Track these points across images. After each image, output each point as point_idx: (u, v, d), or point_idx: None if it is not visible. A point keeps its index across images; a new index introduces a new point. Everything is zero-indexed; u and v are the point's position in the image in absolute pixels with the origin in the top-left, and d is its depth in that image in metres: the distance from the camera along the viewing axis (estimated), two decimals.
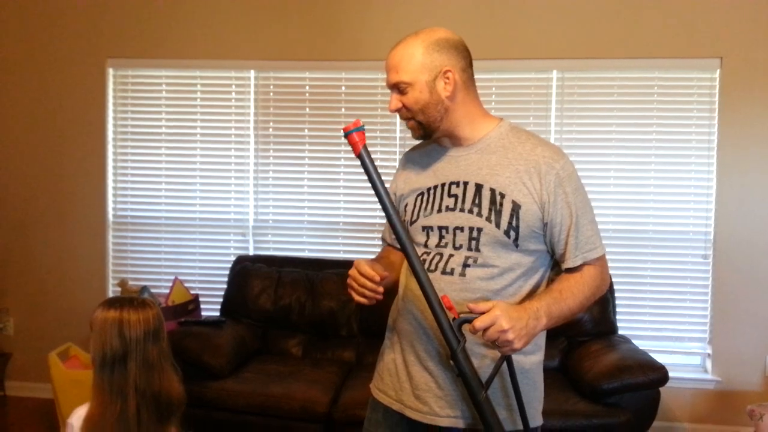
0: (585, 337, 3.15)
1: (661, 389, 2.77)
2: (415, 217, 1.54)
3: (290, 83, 3.70)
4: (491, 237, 1.45)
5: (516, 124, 1.57)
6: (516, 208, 1.44)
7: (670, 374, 2.71)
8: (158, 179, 3.80)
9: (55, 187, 3.79)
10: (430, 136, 1.53)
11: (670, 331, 3.44)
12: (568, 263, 1.47)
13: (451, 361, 1.34)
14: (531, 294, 1.48)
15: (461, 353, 1.33)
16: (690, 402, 3.34)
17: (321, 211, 3.70)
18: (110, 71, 3.76)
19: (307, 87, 3.67)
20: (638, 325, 3.44)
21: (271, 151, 3.75)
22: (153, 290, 3.55)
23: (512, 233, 1.44)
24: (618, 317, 3.29)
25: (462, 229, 1.47)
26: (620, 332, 3.25)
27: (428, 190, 1.53)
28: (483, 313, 1.29)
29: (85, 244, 3.78)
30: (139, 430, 1.48)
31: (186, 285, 3.59)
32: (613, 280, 3.30)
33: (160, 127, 3.78)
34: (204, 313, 3.60)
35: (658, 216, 3.44)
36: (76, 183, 3.77)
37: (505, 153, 1.48)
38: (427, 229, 1.52)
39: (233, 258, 3.62)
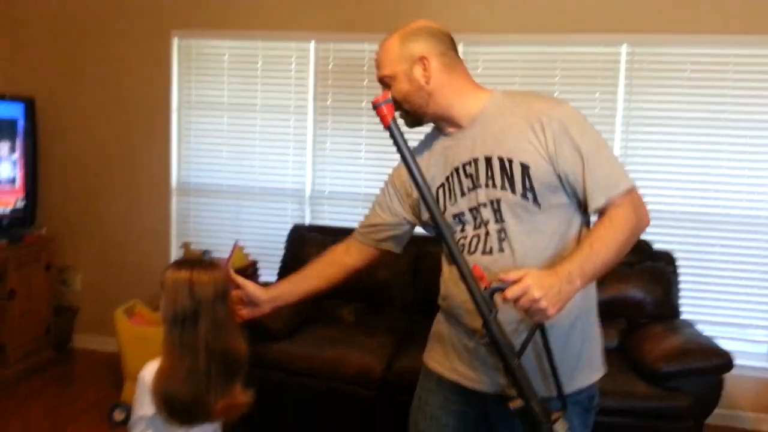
0: (646, 320, 3.07)
1: (725, 376, 2.68)
2: (442, 209, 1.53)
3: (349, 54, 3.70)
4: (511, 204, 1.44)
5: (509, 89, 1.55)
6: (525, 169, 1.42)
7: (735, 362, 2.62)
8: (220, 147, 3.88)
9: (123, 153, 3.91)
10: (421, 122, 1.55)
11: (736, 317, 3.32)
12: (592, 205, 1.42)
13: (483, 330, 1.32)
14: (571, 250, 1.44)
15: (493, 322, 1.31)
16: (754, 391, 3.23)
17: (377, 183, 3.68)
18: (175, 42, 3.84)
19: (366, 59, 3.65)
20: (702, 310, 3.33)
21: (329, 122, 3.77)
22: (214, 254, 3.64)
23: (529, 195, 1.42)
24: (681, 301, 3.19)
25: (485, 204, 1.46)
26: (683, 317, 3.15)
27: (447, 179, 1.53)
28: (514, 282, 1.26)
29: (151, 208, 3.90)
30: (208, 385, 1.52)
31: (244, 251, 3.66)
32: (679, 263, 3.21)
33: (222, 96, 3.85)
34: (261, 279, 3.67)
35: (728, 198, 3.31)
36: (142, 150, 3.89)
37: (504, 119, 1.46)
38: (458, 216, 1.51)
39: (290, 226, 3.68)
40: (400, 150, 1.40)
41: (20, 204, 3.62)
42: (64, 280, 4.01)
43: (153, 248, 3.89)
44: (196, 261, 1.61)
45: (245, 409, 1.64)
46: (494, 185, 1.45)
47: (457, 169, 1.50)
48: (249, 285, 1.63)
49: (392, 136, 1.40)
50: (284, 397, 2.87)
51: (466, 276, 1.33)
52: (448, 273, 1.55)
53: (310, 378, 2.80)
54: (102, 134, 3.93)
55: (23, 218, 3.65)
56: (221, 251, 3.75)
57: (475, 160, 1.47)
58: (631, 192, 1.43)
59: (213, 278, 1.56)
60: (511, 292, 1.25)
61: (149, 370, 1.53)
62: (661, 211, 3.27)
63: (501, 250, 1.45)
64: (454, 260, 1.36)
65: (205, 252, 3.59)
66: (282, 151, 3.82)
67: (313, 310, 3.37)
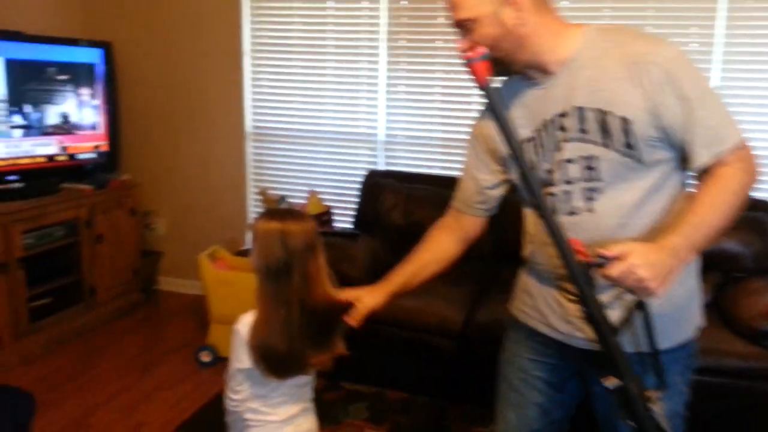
0: (743, 273, 2.90)
1: None
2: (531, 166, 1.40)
3: None
4: (606, 161, 1.31)
5: (603, 25, 1.37)
6: (624, 123, 1.28)
7: None
8: (292, 92, 3.83)
9: (198, 97, 3.92)
10: (509, 71, 1.40)
11: None
12: (697, 163, 1.28)
13: (581, 308, 1.22)
14: (668, 213, 1.32)
15: (591, 300, 1.20)
16: None
17: (452, 127, 3.59)
18: None
19: None
20: None
21: (403, 64, 3.64)
22: (290, 200, 3.65)
23: (627, 151, 1.29)
24: None
25: (575, 161, 1.34)
26: None
27: (535, 133, 1.39)
28: (616, 257, 1.15)
29: (226, 153, 3.94)
30: (303, 338, 1.52)
31: (319, 197, 3.66)
32: None
33: (293, 39, 3.76)
34: (337, 225, 3.67)
35: None
36: (216, 94, 3.89)
37: (598, 63, 1.30)
38: (546, 174, 1.39)
39: (364, 172, 3.63)
40: (496, 114, 1.25)
41: (103, 149, 3.71)
42: (148, 224, 4.14)
43: (230, 194, 3.94)
44: (286, 212, 1.58)
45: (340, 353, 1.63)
46: (589, 140, 1.32)
47: (546, 123, 1.37)
48: (365, 300, 1.57)
49: (489, 98, 1.25)
50: (361, 344, 2.89)
51: (562, 248, 1.21)
52: (535, 231, 1.46)
53: (389, 327, 2.80)
54: (177, 78, 3.95)
55: (106, 164, 3.75)
56: (296, 197, 3.76)
57: (567, 112, 1.33)
58: (742, 148, 1.28)
59: (304, 229, 1.53)
60: (615, 271, 1.16)
61: (244, 323, 1.54)
62: (765, 156, 3.03)
63: (588, 210, 1.35)
64: (548, 226, 1.24)
65: (282, 198, 3.60)
66: (354, 95, 3.74)
67: (391, 258, 3.35)
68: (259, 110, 3.91)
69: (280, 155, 3.91)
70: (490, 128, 1.45)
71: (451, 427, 2.65)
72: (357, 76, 3.71)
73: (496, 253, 3.28)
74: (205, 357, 3.12)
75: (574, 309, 1.40)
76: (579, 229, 1.32)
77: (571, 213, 1.36)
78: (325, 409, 2.74)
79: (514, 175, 1.47)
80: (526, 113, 1.40)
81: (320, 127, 3.81)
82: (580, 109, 1.32)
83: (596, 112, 1.30)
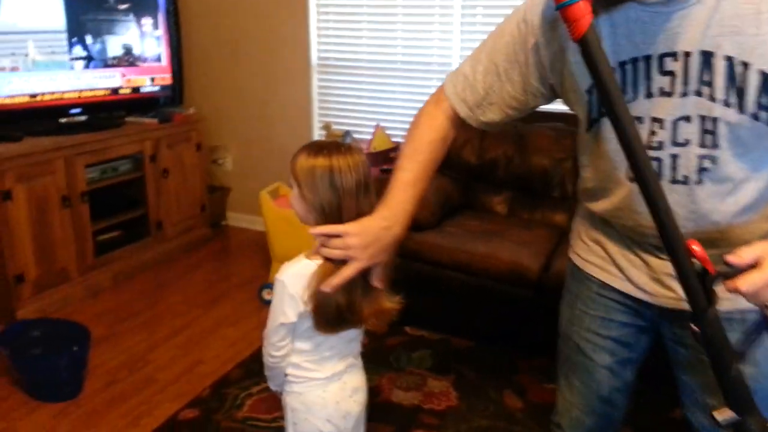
0: None
1: None
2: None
3: None
4: (734, 126, 0.99)
5: None
6: (767, 79, 0.95)
7: None
8: (359, 20, 3.55)
9: (263, 28, 3.73)
10: None
11: None
12: None
13: (693, 326, 0.94)
14: None
15: (710, 320, 0.92)
16: None
17: None
18: None
19: None
20: None
21: None
22: (355, 135, 3.45)
23: (763, 116, 0.97)
24: None
25: (689, 119, 1.02)
26: None
27: (624, 64, 1.04)
28: (749, 265, 0.88)
29: (291, 86, 3.76)
30: (359, 288, 1.33)
31: (387, 132, 3.44)
32: None
33: None
34: None
35: None
36: (280, 25, 3.68)
37: None
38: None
39: None
40: (595, 69, 0.95)
41: (167, 83, 3.62)
42: (215, 159, 4.07)
43: (295, 129, 3.78)
44: (332, 145, 1.34)
45: (393, 315, 1.45)
46: (712, 97, 0.99)
47: (650, 58, 1.02)
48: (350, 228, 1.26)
49: (586, 53, 0.94)
50: (428, 290, 2.71)
51: (676, 252, 0.93)
52: (620, 193, 1.14)
53: (457, 273, 2.59)
54: (241, 8, 3.76)
55: (171, 97, 3.67)
56: (362, 132, 3.55)
57: (687, 54, 0.99)
58: None
59: (353, 164, 1.31)
60: (747, 283, 0.87)
61: (288, 273, 1.36)
62: None
63: (699, 182, 1.04)
64: (660, 226, 0.94)
65: (346, 133, 3.40)
66: (426, 20, 3.42)
67: (461, 199, 3.11)
68: (325, 40, 3.67)
69: (346, 88, 3.69)
70: (557, 33, 1.10)
71: (520, 381, 2.45)
72: (430, 1, 3.38)
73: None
74: (267, 295, 3.04)
75: (662, 265, 1.15)
76: (678, 205, 1.04)
77: (680, 181, 1.05)
78: (385, 354, 2.62)
79: (593, 110, 1.13)
80: (621, 37, 1.03)
81: (389, 57, 3.54)
82: (707, 55, 0.98)
83: (730, 61, 0.97)
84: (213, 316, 2.92)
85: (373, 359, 2.56)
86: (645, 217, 1.02)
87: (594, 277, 1.30)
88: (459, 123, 1.29)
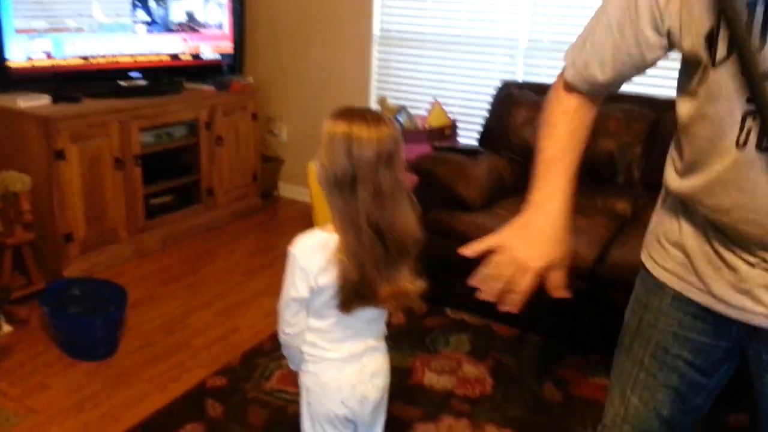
0: None
1: None
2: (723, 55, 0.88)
3: None
4: None
5: None
6: None
7: None
8: None
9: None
10: None
11: None
12: None
13: None
14: None
15: None
16: None
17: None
18: None
19: None
20: None
21: None
22: (411, 111, 3.33)
23: None
24: None
25: None
26: None
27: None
28: None
29: (351, 58, 3.66)
30: (372, 266, 1.24)
31: (445, 108, 3.29)
32: None
33: None
34: (461, 140, 3.30)
35: None
36: None
37: None
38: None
39: (498, 82, 3.18)
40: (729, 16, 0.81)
41: (227, 51, 3.60)
42: (271, 130, 4.05)
43: (351, 101, 3.68)
44: (357, 112, 1.25)
45: (416, 300, 1.35)
46: None
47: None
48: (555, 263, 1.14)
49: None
50: (471, 270, 2.57)
51: None
52: (723, 171, 0.94)
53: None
54: None
55: (231, 65, 3.65)
56: (419, 108, 3.41)
57: None
58: None
59: (376, 136, 1.21)
60: None
61: (300, 246, 1.28)
62: None
63: None
64: None
65: (402, 109, 3.28)
66: None
67: (516, 181, 2.94)
68: (388, 11, 3.55)
69: (406, 62, 3.56)
70: None
71: (563, 374, 2.28)
72: None
73: (649, 180, 2.75)
74: None
75: (755, 275, 0.97)
76: None
77: None
78: (422, 335, 2.51)
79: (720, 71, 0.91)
80: None
81: (452, 30, 3.38)
82: None
83: None
84: (253, 285, 2.89)
85: (409, 339, 2.47)
86: (749, 197, 0.86)
87: (668, 287, 1.11)
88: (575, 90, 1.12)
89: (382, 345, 1.44)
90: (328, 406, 1.37)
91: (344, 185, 1.21)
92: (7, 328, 2.41)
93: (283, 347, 1.40)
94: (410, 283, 1.31)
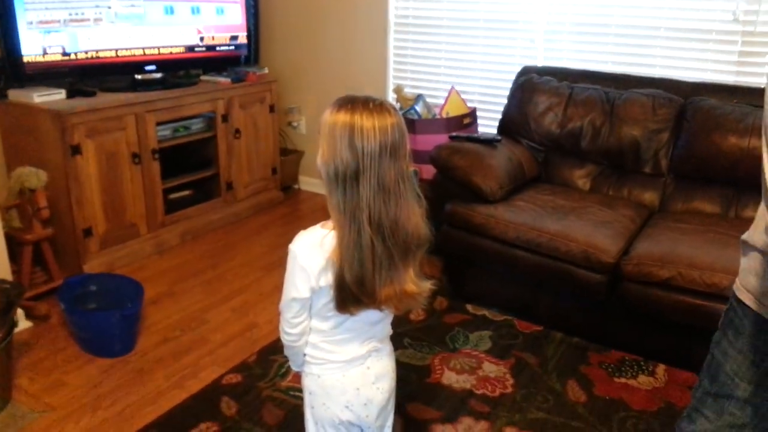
0: None
1: None
2: None
3: None
4: None
5: None
6: None
7: None
8: None
9: None
10: None
11: None
12: None
13: None
14: None
15: None
16: None
17: (635, 11, 2.87)
18: None
19: None
20: None
21: None
22: (429, 99, 3.25)
23: None
24: None
25: None
26: None
27: None
28: None
29: (368, 45, 3.60)
30: (372, 267, 1.18)
31: (463, 96, 3.21)
32: None
33: None
34: (480, 129, 3.22)
35: None
36: None
37: None
38: None
39: (518, 68, 3.09)
40: None
41: (242, 41, 3.57)
42: (289, 122, 4.01)
43: (368, 90, 3.61)
44: (359, 101, 1.18)
45: (420, 303, 1.29)
46: None
47: None
48: None
49: None
50: (493, 268, 2.52)
51: None
52: None
53: (522, 251, 2.36)
54: None
55: (246, 57, 3.62)
56: (436, 97, 3.34)
57: None
58: None
59: (380, 125, 1.15)
60: None
61: (300, 243, 1.23)
62: None
63: None
64: None
65: (418, 97, 3.21)
66: None
67: (537, 170, 2.86)
68: None
69: (423, 48, 3.48)
70: None
71: (588, 373, 2.22)
72: None
73: (677, 169, 2.66)
74: None
75: None
76: None
77: None
78: (441, 332, 2.46)
79: None
80: None
81: (470, 14, 3.29)
82: None
83: None
84: (272, 280, 2.87)
85: (428, 337, 2.42)
86: None
87: (746, 306, 1.02)
88: None
89: (388, 346, 1.39)
90: (332, 410, 1.32)
91: (346, 179, 1.16)
92: (27, 323, 2.43)
93: (285, 348, 1.36)
94: (414, 284, 1.25)
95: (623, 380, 2.18)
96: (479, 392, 2.12)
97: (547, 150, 2.89)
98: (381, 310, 1.27)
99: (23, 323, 2.41)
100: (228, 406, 2.02)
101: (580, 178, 2.82)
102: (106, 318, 2.24)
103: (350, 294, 1.20)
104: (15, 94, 2.77)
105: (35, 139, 2.72)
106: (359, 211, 1.16)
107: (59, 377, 2.15)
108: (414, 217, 1.21)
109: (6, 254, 2.33)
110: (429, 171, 2.81)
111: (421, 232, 1.22)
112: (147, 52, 3.15)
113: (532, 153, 2.87)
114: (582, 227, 2.32)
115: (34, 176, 2.48)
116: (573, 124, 2.80)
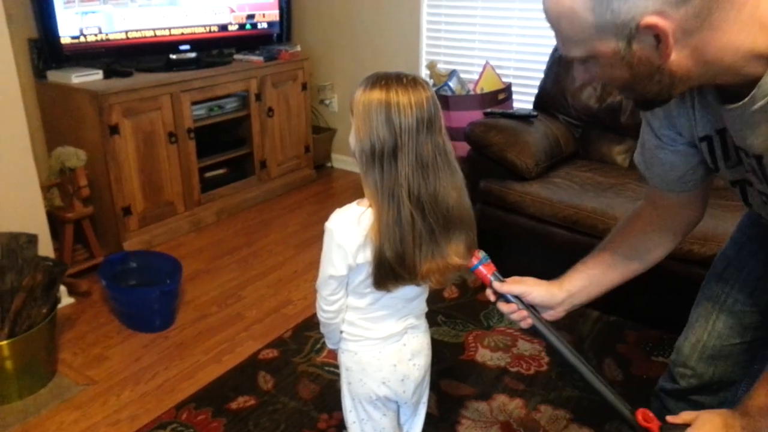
0: None
1: None
2: (713, 165, 1.05)
3: None
4: None
5: None
6: None
7: None
8: None
9: None
10: (665, 102, 0.94)
11: None
12: None
13: None
14: None
15: None
16: None
17: None
18: None
19: None
20: None
21: None
22: (462, 75, 3.21)
23: None
24: None
25: None
26: None
27: (713, 136, 1.00)
28: (685, 426, 1.01)
29: (400, 20, 3.55)
30: (412, 242, 1.17)
31: (498, 71, 3.15)
32: None
33: None
34: (516, 105, 3.16)
35: None
36: None
37: None
38: (739, 185, 1.04)
39: (554, 42, 3.00)
40: None
41: (275, 20, 3.56)
42: (322, 100, 4.01)
43: (401, 65, 3.59)
44: (392, 77, 1.16)
45: (454, 274, 1.28)
46: None
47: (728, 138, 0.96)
48: (533, 288, 1.27)
49: None
50: (529, 245, 2.49)
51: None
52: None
53: (559, 228, 2.33)
54: None
55: (278, 35, 3.61)
56: (471, 72, 3.29)
57: (758, 158, 0.91)
58: None
59: (416, 100, 1.13)
60: None
61: (337, 221, 1.22)
62: None
63: None
64: None
65: (452, 73, 3.16)
66: None
67: (574, 147, 2.80)
68: None
69: (457, 23, 3.42)
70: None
71: (625, 352, 2.18)
72: None
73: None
74: None
75: None
76: None
77: None
78: (476, 310, 2.45)
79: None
80: (705, 119, 1.00)
81: None
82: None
83: None
84: (306, 257, 2.90)
85: (461, 315, 2.41)
86: None
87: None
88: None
89: (423, 323, 1.39)
90: (369, 386, 1.33)
91: (383, 156, 1.15)
92: (69, 300, 2.50)
93: (321, 326, 1.37)
94: (459, 257, 1.24)
95: (661, 359, 2.14)
96: (514, 370, 2.11)
97: (584, 125, 2.83)
98: (419, 285, 1.26)
99: (66, 299, 2.48)
100: (265, 381, 2.06)
101: (619, 154, 2.75)
102: (147, 294, 2.29)
103: (390, 271, 1.19)
104: (54, 75, 2.82)
105: (74, 120, 2.77)
106: (398, 187, 1.15)
107: (101, 352, 2.22)
108: (454, 189, 1.19)
109: (48, 232, 2.39)
110: (463, 148, 2.78)
111: (462, 203, 1.20)
112: (182, 31, 3.17)
113: (569, 128, 2.81)
114: (621, 204, 2.27)
115: (73, 156, 2.53)
116: (612, 98, 2.73)
